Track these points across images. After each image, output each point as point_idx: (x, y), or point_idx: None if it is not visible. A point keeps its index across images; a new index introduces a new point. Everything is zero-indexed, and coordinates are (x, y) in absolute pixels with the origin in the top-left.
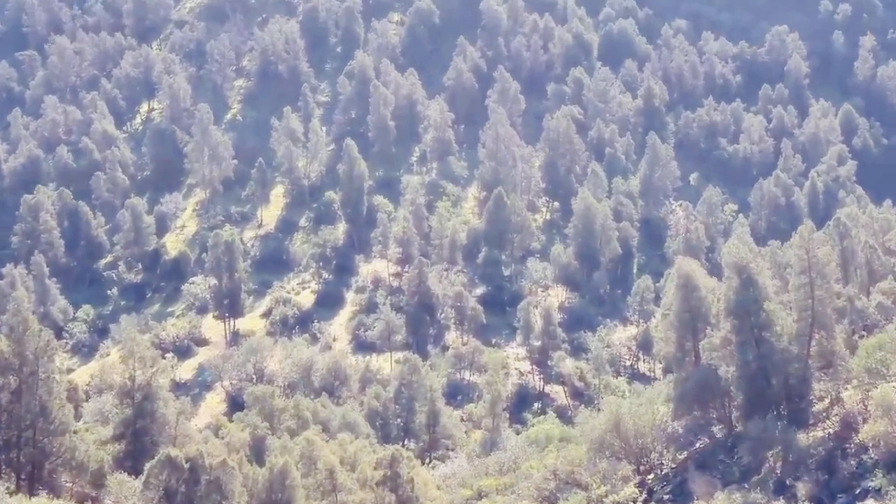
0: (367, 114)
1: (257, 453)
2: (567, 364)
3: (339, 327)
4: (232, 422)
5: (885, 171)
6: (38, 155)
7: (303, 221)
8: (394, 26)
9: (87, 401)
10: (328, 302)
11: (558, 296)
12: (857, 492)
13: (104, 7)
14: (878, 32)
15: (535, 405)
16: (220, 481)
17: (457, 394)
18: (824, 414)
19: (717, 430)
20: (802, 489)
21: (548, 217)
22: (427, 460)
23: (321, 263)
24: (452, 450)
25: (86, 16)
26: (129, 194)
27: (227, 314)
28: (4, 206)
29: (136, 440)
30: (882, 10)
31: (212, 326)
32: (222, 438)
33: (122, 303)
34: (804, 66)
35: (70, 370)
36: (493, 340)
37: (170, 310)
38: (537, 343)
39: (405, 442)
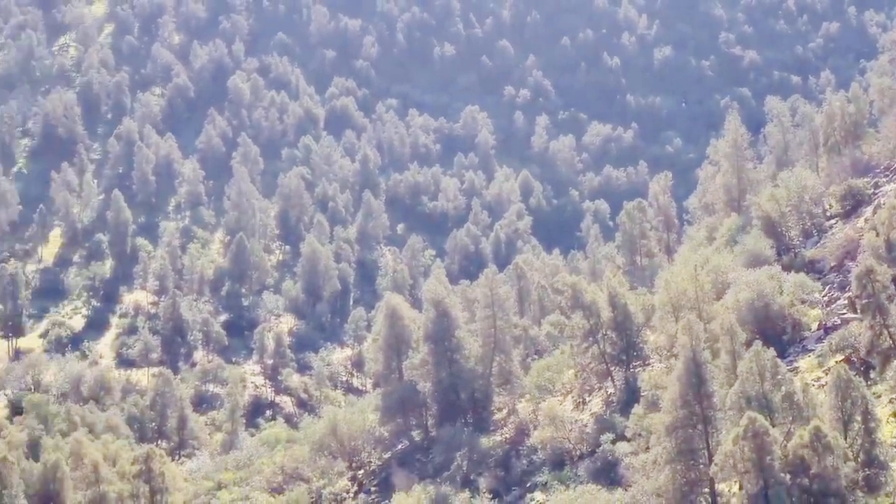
0: (132, 169)
1: (33, 451)
2: (294, 379)
3: (105, 346)
4: (12, 424)
5: (555, 225)
6: None
7: (76, 258)
8: (156, 98)
9: None
10: (96, 325)
11: (288, 323)
12: (528, 485)
13: None
14: (550, 114)
15: (267, 412)
16: (1, 474)
17: (202, 403)
18: (502, 422)
19: (416, 435)
20: (484, 483)
21: (280, 258)
22: (176, 457)
23: (91, 293)
24: (198, 449)
25: None
26: None
27: (10, 334)
28: None
29: None
30: (554, 96)
31: None
32: (3, 438)
33: None
34: (491, 138)
35: None
36: (234, 359)
37: None
38: (270, 361)
39: (158, 442)
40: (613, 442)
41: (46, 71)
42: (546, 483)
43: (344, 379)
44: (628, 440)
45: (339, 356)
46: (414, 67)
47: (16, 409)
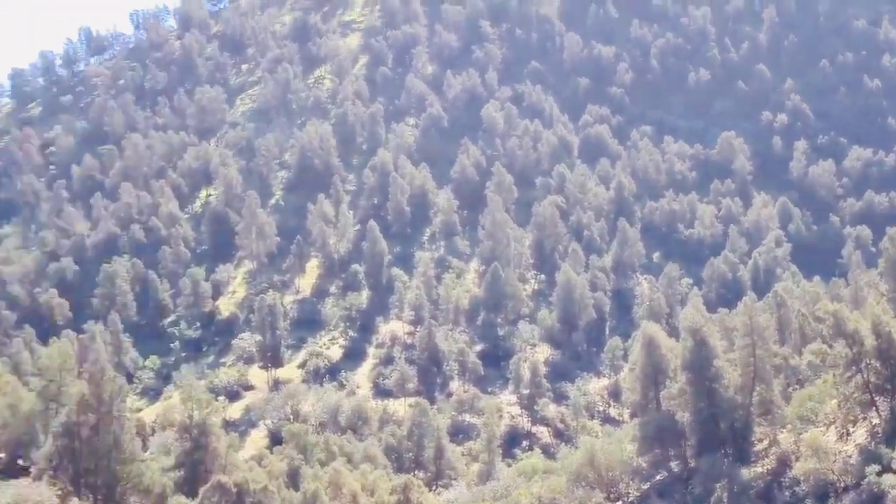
0: (387, 200)
1: (293, 480)
2: (550, 409)
3: (362, 376)
4: (272, 454)
5: (815, 252)
6: (115, 232)
7: (333, 289)
8: (410, 128)
9: (152, 435)
10: (353, 355)
11: (543, 352)
12: None
13: (171, 110)
14: (809, 138)
15: (524, 443)
16: (262, 503)
17: (459, 433)
18: (763, 453)
19: (675, 466)
20: None
21: (535, 287)
22: (434, 488)
23: (348, 323)
24: (455, 479)
25: (156, 117)
26: (189, 265)
27: (269, 365)
28: (87, 273)
29: (193, 468)
30: (813, 120)
31: (256, 375)
32: (264, 468)
33: (183, 354)
34: (748, 164)
35: (139, 410)
36: (490, 389)
37: (222, 360)
38: (526, 391)
39: (416, 472)
40: (879, 474)
41: (302, 103)
42: None
43: (600, 409)
44: (895, 472)
45: (595, 386)
46: (668, 93)
47: (276, 439)
